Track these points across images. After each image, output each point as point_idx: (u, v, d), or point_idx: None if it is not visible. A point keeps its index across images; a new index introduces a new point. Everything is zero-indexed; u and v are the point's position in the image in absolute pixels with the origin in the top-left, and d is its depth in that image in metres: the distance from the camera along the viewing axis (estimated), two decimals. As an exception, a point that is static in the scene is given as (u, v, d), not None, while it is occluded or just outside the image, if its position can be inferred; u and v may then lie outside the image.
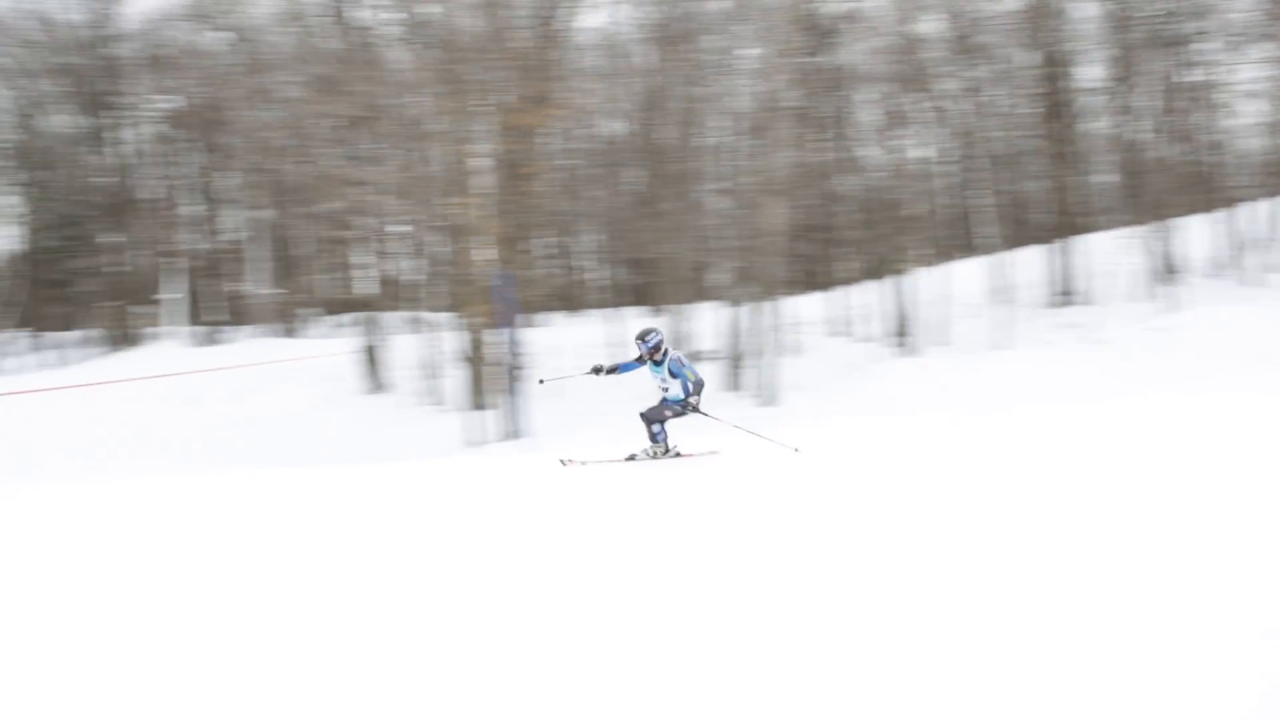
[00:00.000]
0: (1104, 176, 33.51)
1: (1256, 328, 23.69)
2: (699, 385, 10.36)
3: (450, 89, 22.66)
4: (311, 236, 31.69)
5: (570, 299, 38.66)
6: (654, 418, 10.53)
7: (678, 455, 10.59)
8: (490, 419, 21.67)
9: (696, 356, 24.37)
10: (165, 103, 36.71)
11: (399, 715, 3.90)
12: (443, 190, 23.21)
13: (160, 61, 36.25)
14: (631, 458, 10.63)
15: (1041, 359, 24.47)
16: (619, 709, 3.84)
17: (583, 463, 10.42)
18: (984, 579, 5.10)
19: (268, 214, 35.41)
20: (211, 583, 5.89)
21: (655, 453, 10.57)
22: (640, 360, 10.55)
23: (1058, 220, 31.54)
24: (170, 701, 4.14)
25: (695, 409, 10.42)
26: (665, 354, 10.45)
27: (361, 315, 28.66)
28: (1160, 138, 31.88)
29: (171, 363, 27.61)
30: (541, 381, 12.11)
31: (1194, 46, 30.52)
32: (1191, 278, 30.25)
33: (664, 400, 10.50)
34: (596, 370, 10.87)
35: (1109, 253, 30.67)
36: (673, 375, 10.41)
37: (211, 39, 36.00)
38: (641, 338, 10.42)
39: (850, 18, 30.64)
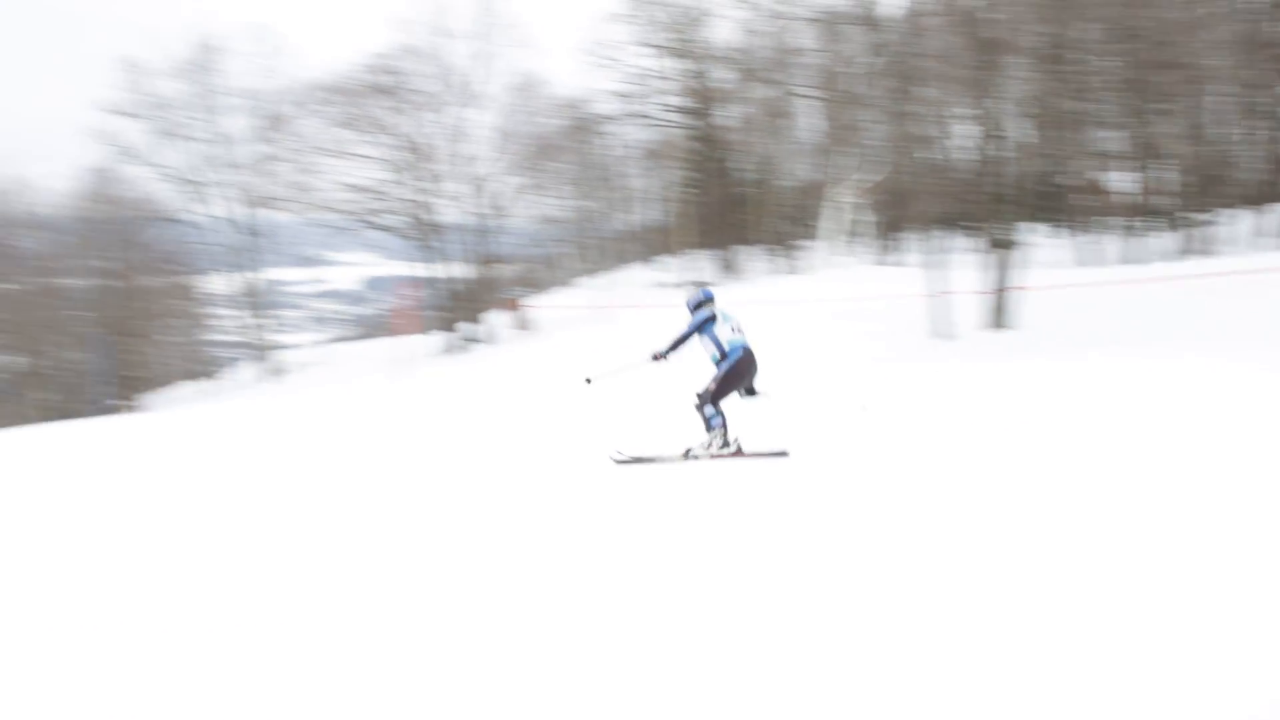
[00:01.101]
0: None
1: None
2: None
3: None
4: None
5: None
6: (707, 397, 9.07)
7: (738, 452, 8.96)
8: None
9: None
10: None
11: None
12: None
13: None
14: (688, 454, 9.11)
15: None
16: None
17: (634, 459, 9.12)
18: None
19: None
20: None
21: (714, 445, 9.00)
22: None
23: None
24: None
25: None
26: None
27: None
28: None
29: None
30: (589, 381, 9.70)
31: None
32: None
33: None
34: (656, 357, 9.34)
35: None
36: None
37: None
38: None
39: None
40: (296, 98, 33.66)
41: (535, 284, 40.79)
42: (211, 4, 44.66)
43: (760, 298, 25.39)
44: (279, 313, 39.99)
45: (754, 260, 34.88)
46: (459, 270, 33.22)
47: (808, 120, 36.13)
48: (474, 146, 32.76)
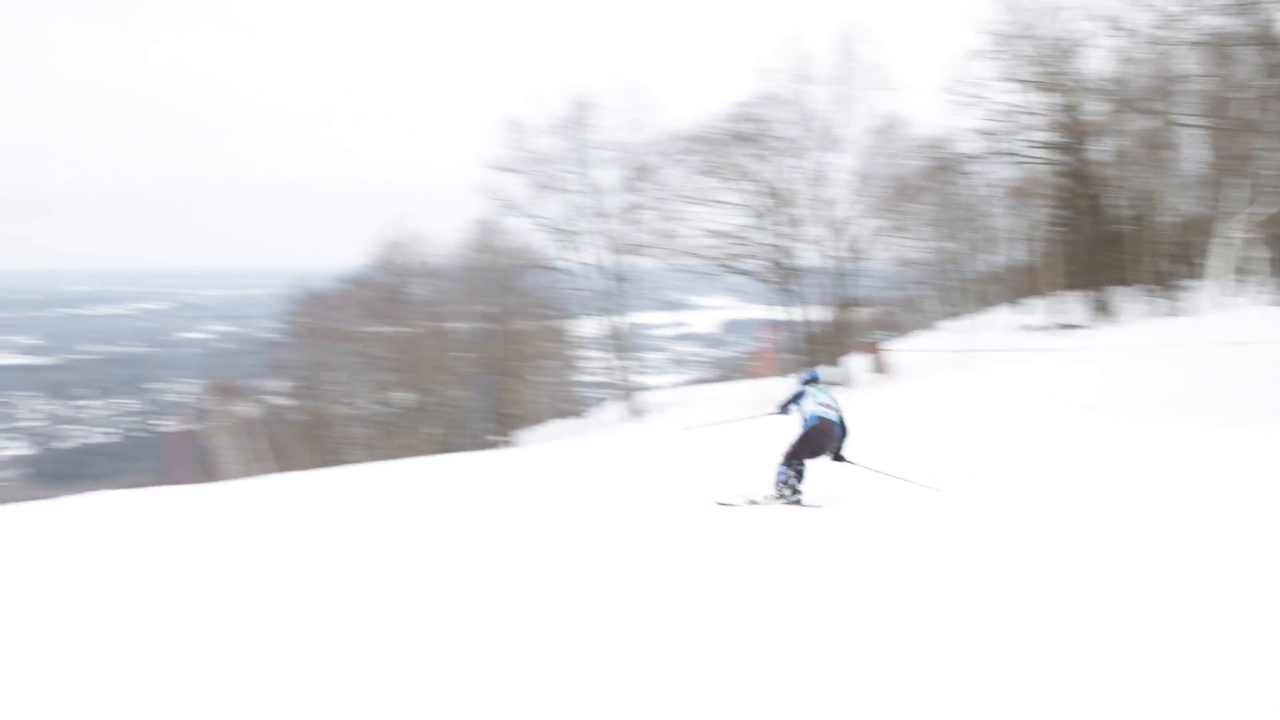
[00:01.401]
0: None
1: None
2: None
3: None
4: None
5: None
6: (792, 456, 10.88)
7: (798, 503, 10.72)
8: None
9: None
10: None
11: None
12: None
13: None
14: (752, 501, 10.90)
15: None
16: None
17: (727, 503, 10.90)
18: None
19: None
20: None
21: (775, 496, 10.83)
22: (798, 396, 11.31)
23: None
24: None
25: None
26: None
27: None
28: None
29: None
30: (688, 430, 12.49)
31: None
32: None
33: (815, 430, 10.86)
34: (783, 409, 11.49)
35: None
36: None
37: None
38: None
39: None
40: (662, 149, 35.07)
41: (895, 327, 40.29)
42: (589, 66, 47.45)
43: (1137, 341, 23.87)
44: (642, 355, 41.58)
45: (1130, 301, 32.80)
46: (817, 313, 33.34)
47: (1192, 151, 33.68)
48: (834, 190, 32.92)
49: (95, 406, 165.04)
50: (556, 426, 41.34)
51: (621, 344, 37.28)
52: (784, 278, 33.39)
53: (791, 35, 33.54)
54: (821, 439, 10.95)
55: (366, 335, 48.70)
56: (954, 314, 40.89)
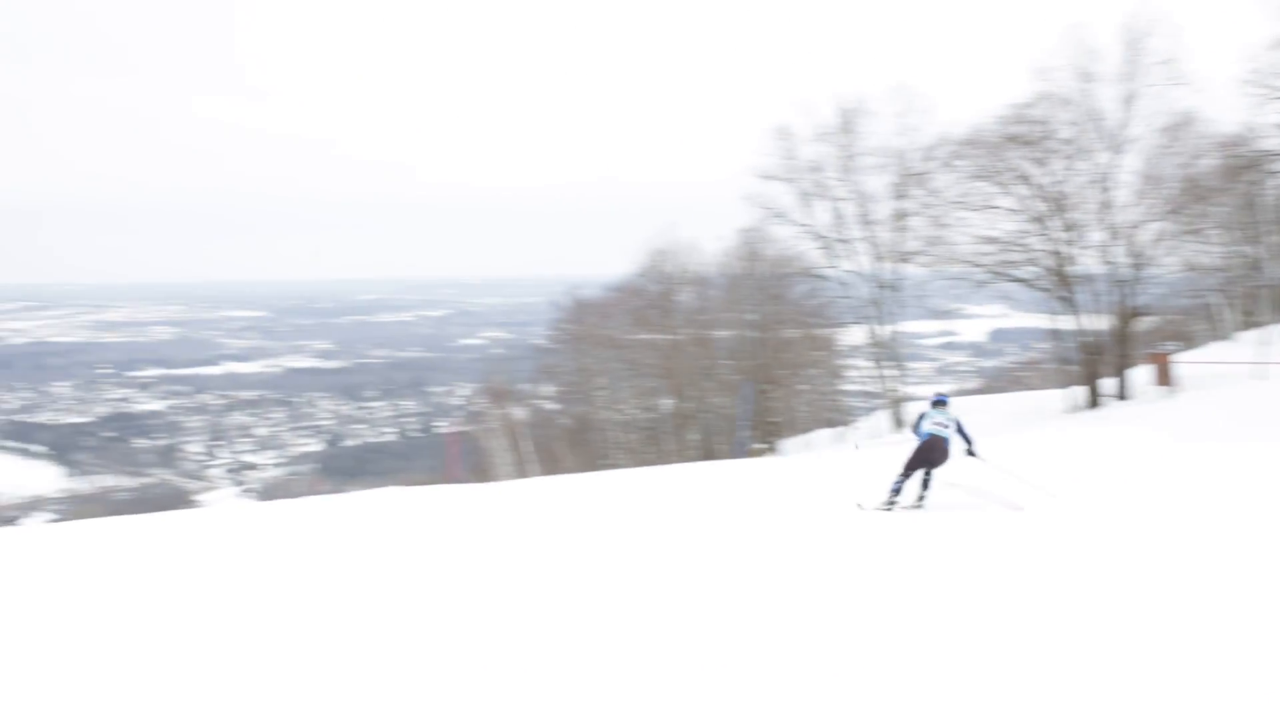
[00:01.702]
0: None
1: None
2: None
3: None
4: None
5: None
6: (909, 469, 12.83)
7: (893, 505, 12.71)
8: None
9: None
10: None
11: None
12: None
13: None
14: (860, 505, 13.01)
15: None
16: None
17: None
18: None
19: None
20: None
21: (882, 503, 12.79)
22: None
23: None
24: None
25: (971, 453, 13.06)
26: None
27: None
28: None
29: None
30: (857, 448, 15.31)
31: None
32: None
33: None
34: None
35: None
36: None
37: None
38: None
39: None
40: (933, 153, 34.28)
41: (1184, 338, 37.79)
42: (857, 70, 46.92)
43: None
44: (908, 364, 40.71)
45: None
46: (1095, 323, 31.69)
47: None
48: (1117, 193, 31.20)
49: (379, 407, 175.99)
50: (821, 435, 41.04)
51: (887, 353, 36.61)
52: (1061, 285, 31.92)
53: (1074, 31, 31.79)
54: (931, 453, 12.75)
55: (632, 342, 49.77)
56: (1253, 324, 37.96)
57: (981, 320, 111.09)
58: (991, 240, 32.51)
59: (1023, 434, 25.59)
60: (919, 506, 12.82)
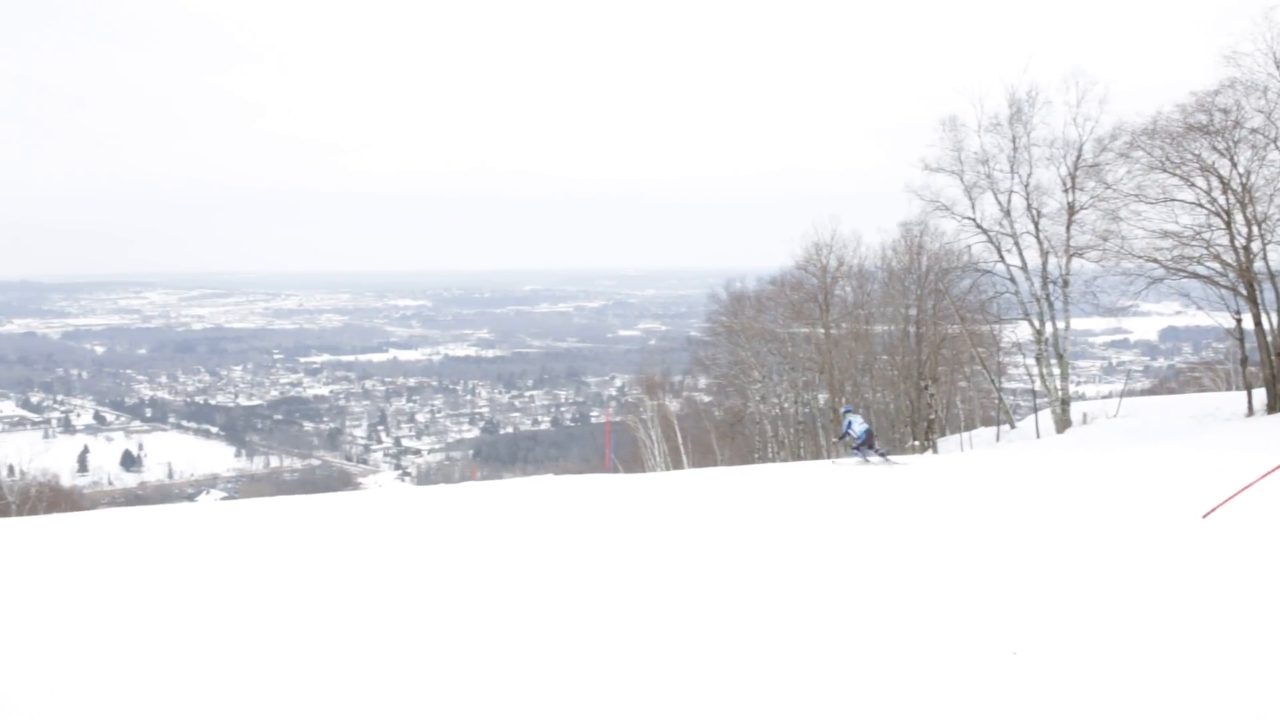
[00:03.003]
0: None
1: None
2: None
3: None
4: None
5: None
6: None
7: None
8: None
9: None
10: None
11: None
12: None
13: None
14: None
15: None
16: None
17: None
18: None
19: None
20: None
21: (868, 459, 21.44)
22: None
23: None
24: None
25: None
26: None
27: None
28: None
29: None
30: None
31: None
32: None
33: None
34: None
35: None
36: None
37: None
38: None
39: None
40: (1108, 144, 32.94)
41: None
42: (1031, 57, 45.47)
43: None
44: (1076, 363, 39.27)
45: None
46: (1281, 322, 29.93)
47: None
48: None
49: (535, 396, 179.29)
50: (982, 434, 40.00)
51: (1054, 351, 35.37)
52: (1244, 283, 30.27)
53: (1269, 15, 29.83)
54: (872, 439, 21.69)
55: (789, 335, 49.40)
56: None
57: (1154, 318, 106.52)
58: (1169, 235, 31.05)
59: (1201, 438, 24.46)
60: (887, 462, 21.11)
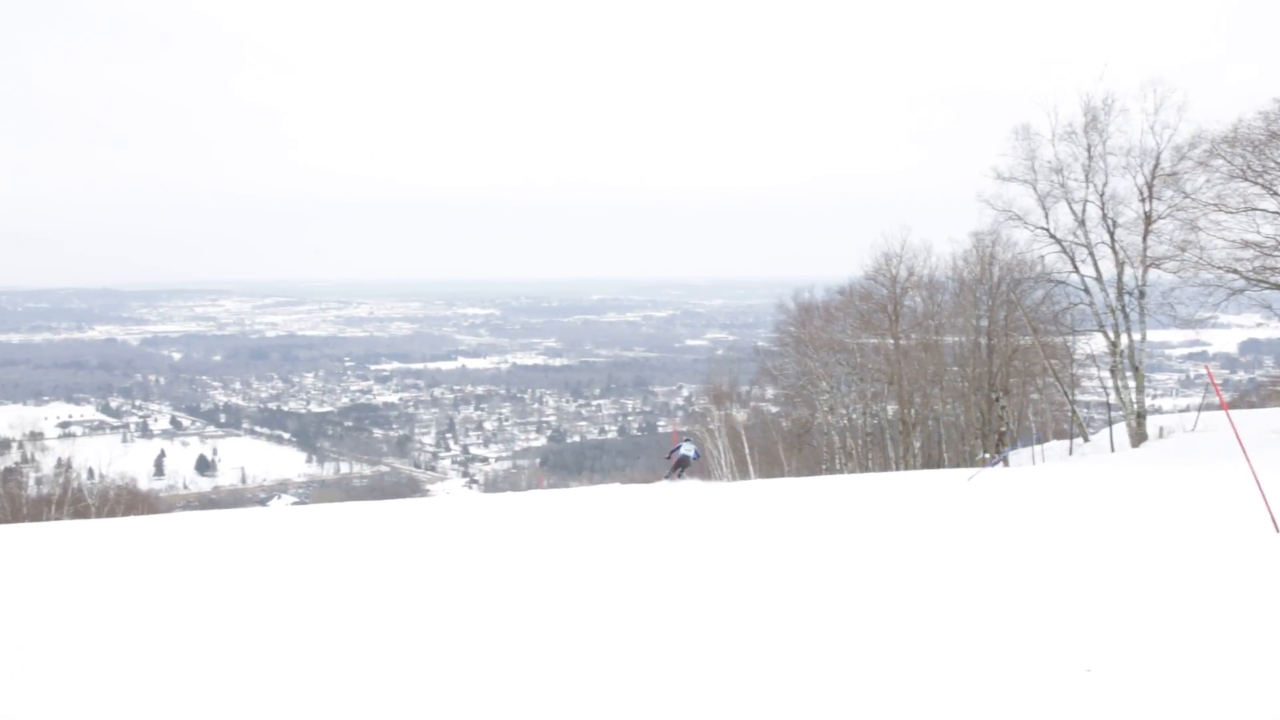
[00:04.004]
0: None
1: None
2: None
3: None
4: None
5: None
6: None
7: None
8: None
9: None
10: None
11: None
12: None
13: None
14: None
15: None
16: None
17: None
18: None
19: None
20: None
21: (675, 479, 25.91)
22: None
23: None
24: None
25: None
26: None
27: None
28: None
29: None
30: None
31: None
32: None
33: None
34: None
35: None
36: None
37: None
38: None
39: None
40: (1187, 152, 32.29)
41: None
42: (1108, 65, 44.74)
43: None
44: (1153, 376, 38.45)
45: None
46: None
47: None
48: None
49: (602, 405, 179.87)
50: (1055, 447, 39.34)
51: (1129, 363, 34.68)
52: (1330, 295, 29.50)
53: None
54: (689, 462, 26.63)
55: (858, 346, 49.03)
56: None
57: (1234, 330, 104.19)
58: (1250, 245, 30.32)
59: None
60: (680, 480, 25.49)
